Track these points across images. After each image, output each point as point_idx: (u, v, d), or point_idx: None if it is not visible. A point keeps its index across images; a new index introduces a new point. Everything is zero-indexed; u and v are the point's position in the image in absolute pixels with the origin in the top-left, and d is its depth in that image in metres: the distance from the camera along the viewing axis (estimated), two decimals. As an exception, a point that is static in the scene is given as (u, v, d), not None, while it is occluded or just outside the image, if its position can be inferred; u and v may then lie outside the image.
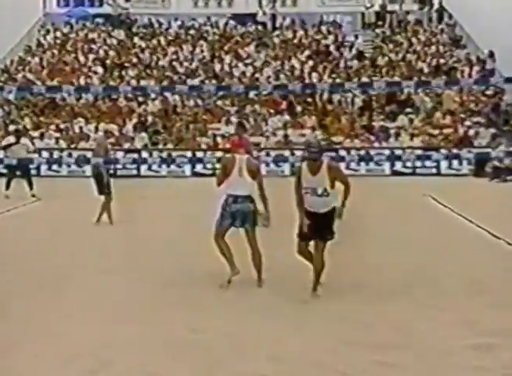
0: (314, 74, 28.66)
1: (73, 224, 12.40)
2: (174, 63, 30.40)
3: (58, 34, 33.44)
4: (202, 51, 31.48)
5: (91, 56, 31.02)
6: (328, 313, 6.70)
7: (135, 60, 30.71)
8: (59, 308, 6.96)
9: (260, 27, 33.39)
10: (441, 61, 29.79)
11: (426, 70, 29.00)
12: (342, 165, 21.13)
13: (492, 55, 28.86)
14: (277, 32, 32.88)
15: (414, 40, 31.96)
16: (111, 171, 13.09)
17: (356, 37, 32.53)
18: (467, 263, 8.99)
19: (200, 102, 27.15)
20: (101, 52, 31.53)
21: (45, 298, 7.36)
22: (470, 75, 28.41)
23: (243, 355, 5.51)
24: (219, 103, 26.87)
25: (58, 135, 25.06)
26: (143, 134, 24.67)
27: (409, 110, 25.75)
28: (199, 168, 22.61)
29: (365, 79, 28.48)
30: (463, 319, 6.44)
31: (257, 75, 28.94)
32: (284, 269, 8.21)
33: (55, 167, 23.12)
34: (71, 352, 5.54)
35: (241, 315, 6.71)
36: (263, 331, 6.12)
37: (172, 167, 22.80)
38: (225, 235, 7.85)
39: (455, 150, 21.82)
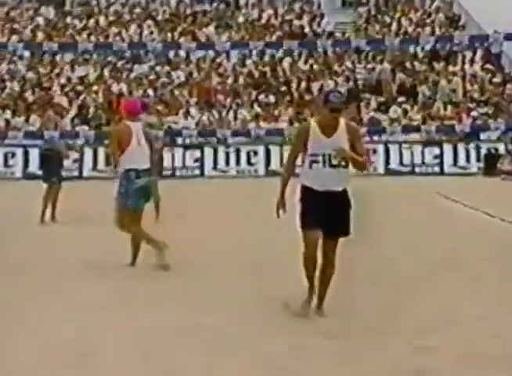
0: (287, 59, 28.95)
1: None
2: (119, 48, 30.30)
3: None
4: (151, 33, 31.52)
5: (14, 38, 30.78)
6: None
7: (69, 42, 30.53)
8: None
9: (220, 5, 33.62)
10: (438, 45, 30.36)
11: (420, 55, 29.55)
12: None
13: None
14: (242, 11, 33.14)
15: (404, 20, 32.50)
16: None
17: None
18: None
19: (151, 91, 27.14)
20: (27, 32, 31.34)
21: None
22: (472, 60, 29.10)
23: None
24: (176, 92, 26.93)
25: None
26: (85, 127, 24.62)
27: (402, 99, 26.17)
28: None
29: (348, 64, 29.04)
30: None
31: (218, 60, 29.12)
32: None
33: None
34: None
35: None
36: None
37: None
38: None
39: (460, 145, 22.27)
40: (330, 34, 31.33)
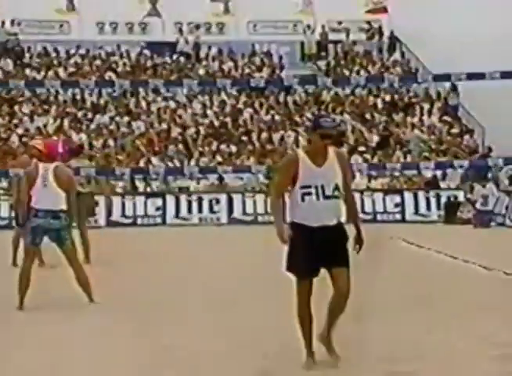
0: (248, 110, 29.28)
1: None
2: (78, 98, 30.43)
3: None
4: (110, 83, 31.59)
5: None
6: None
7: (28, 94, 30.54)
8: None
9: (181, 58, 33.95)
10: (396, 96, 31.05)
11: (380, 104, 30.09)
12: None
13: (454, 88, 30.19)
14: (202, 63, 33.50)
15: (363, 73, 33.13)
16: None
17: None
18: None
19: (111, 141, 27.16)
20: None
21: None
22: (430, 112, 29.76)
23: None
24: (137, 142, 27.02)
25: None
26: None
27: (362, 148, 26.56)
28: (116, 215, 22.50)
29: (308, 116, 29.39)
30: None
31: (180, 112, 29.34)
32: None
33: None
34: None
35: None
36: None
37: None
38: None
39: (421, 193, 22.53)
40: (290, 86, 31.77)
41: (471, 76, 19.07)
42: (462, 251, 13.57)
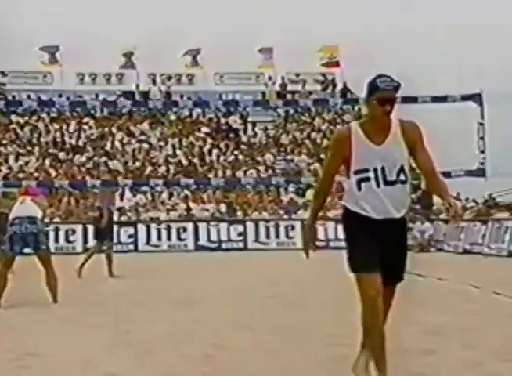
0: (214, 151, 29.57)
1: None
2: (59, 140, 30.53)
3: None
4: (90, 127, 31.82)
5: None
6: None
7: (13, 137, 30.61)
8: None
9: (153, 105, 34.17)
10: (348, 140, 31.52)
11: (333, 146, 30.54)
12: (250, 236, 22.36)
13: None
14: (173, 109, 33.79)
15: (318, 119, 33.66)
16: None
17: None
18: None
19: (88, 178, 27.24)
20: (-28, 129, 31.31)
21: None
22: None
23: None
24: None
25: None
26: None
27: (315, 183, 26.91)
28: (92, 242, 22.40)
29: (269, 156, 29.80)
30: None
31: (153, 152, 29.55)
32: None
33: None
34: None
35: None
36: None
37: (61, 242, 22.61)
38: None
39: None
40: (253, 130, 32.24)
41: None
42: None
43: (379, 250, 4.15)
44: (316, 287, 11.16)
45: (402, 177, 4.18)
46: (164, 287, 11.48)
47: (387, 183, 4.15)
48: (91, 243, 22.07)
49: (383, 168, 4.14)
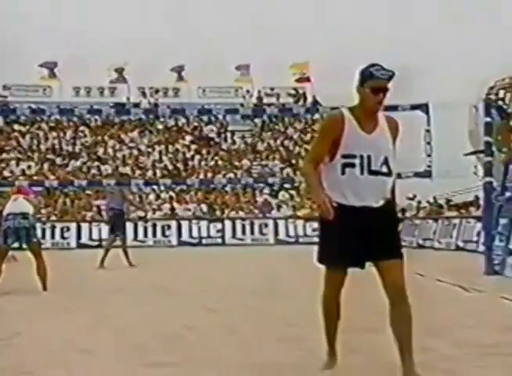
0: (197, 157, 29.59)
1: None
2: (57, 147, 30.41)
3: None
4: (85, 135, 31.73)
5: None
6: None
7: (14, 144, 30.46)
8: None
9: (143, 115, 34.20)
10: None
11: (303, 153, 30.64)
12: (228, 233, 22.40)
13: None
14: (160, 119, 33.79)
15: (291, 128, 33.78)
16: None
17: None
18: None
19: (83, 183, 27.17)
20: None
21: None
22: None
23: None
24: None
25: None
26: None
27: (287, 185, 27.07)
28: (85, 239, 22.42)
29: (246, 161, 29.84)
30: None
31: (142, 158, 29.52)
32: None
33: None
34: None
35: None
36: None
37: (57, 238, 22.47)
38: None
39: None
40: (232, 138, 32.29)
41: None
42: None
43: (359, 239, 3.78)
44: (283, 277, 11.23)
45: (385, 169, 3.83)
46: (147, 277, 11.51)
47: (371, 172, 3.79)
48: (84, 240, 22.37)
49: (369, 157, 3.79)
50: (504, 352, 4.70)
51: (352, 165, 3.79)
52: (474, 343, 5.02)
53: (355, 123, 3.79)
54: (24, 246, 9.10)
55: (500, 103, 10.15)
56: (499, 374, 4.14)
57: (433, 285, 9.06)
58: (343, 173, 3.80)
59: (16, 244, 9.11)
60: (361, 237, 3.77)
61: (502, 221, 10.05)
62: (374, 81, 3.76)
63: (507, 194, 9.89)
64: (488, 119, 9.96)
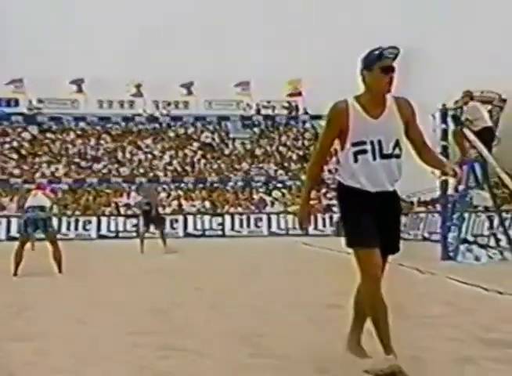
0: (202, 161, 29.63)
1: None
2: (82, 152, 30.48)
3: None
4: (106, 142, 31.77)
5: (6, 146, 30.58)
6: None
7: (46, 150, 30.53)
8: None
9: (156, 125, 34.26)
10: (306, 152, 31.69)
11: (294, 157, 30.67)
12: (227, 226, 22.46)
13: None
14: (172, 128, 33.83)
15: (284, 136, 33.75)
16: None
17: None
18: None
19: (104, 183, 27.23)
20: (15, 143, 31.15)
21: None
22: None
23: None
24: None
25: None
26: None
27: (279, 185, 27.10)
28: (104, 231, 22.44)
29: (245, 164, 29.83)
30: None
31: (155, 162, 29.57)
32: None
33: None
34: None
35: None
36: None
37: (80, 230, 22.50)
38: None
39: (320, 215, 22.88)
40: (233, 145, 32.31)
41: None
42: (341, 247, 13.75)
43: (375, 224, 3.30)
44: (271, 263, 11.21)
45: (397, 151, 3.32)
46: (150, 262, 11.49)
47: (383, 156, 3.30)
48: (103, 232, 22.38)
49: (379, 141, 3.30)
50: (439, 322, 4.74)
51: (364, 152, 3.31)
52: (420, 315, 5.06)
53: (360, 109, 3.31)
54: (42, 235, 9.13)
55: (453, 112, 10.13)
56: (432, 341, 4.14)
57: (395, 269, 9.00)
58: (355, 161, 3.32)
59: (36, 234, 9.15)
60: (376, 222, 3.30)
61: (456, 214, 10.04)
62: (383, 61, 3.26)
63: (460, 192, 9.89)
64: (444, 126, 9.96)
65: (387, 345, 3.26)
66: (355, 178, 3.32)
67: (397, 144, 3.31)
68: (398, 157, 3.33)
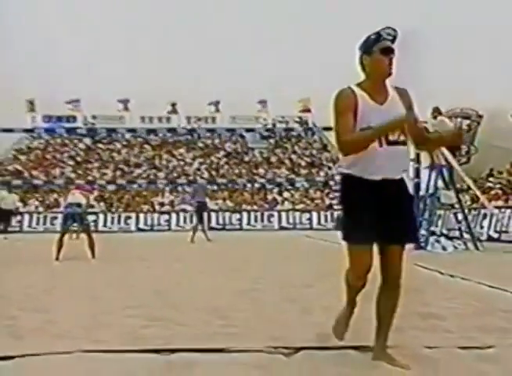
0: (225, 166, 29.70)
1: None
2: (126, 159, 30.80)
3: (42, 140, 33.40)
4: (147, 151, 32.06)
5: (65, 154, 31.07)
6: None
7: (96, 157, 30.94)
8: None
9: (188, 136, 34.48)
10: (314, 159, 31.55)
11: (303, 164, 30.56)
12: (245, 221, 22.41)
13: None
14: (201, 139, 34.00)
15: (298, 148, 33.62)
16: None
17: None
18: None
19: (143, 185, 27.42)
20: (72, 152, 31.63)
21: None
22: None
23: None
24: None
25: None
26: (101, 203, 24.70)
27: (289, 187, 27.04)
28: (141, 225, 22.63)
29: (261, 170, 29.79)
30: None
31: (186, 167, 29.74)
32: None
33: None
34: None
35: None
36: None
37: (122, 224, 22.71)
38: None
39: (323, 212, 22.73)
40: (252, 153, 32.32)
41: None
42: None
43: (377, 215, 2.72)
44: (277, 252, 11.00)
45: (402, 137, 2.76)
46: (173, 251, 11.49)
47: (389, 143, 2.72)
48: (141, 225, 22.52)
49: None
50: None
51: None
52: (371, 293, 4.92)
53: (365, 95, 2.75)
54: (79, 227, 9.26)
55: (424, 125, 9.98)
56: (369, 312, 4.06)
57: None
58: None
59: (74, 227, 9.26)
60: (380, 211, 2.72)
61: (427, 211, 9.93)
62: (382, 43, 2.74)
63: (429, 191, 9.77)
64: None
65: (384, 341, 2.93)
66: (361, 166, 2.73)
67: (402, 131, 2.75)
68: (404, 143, 2.77)
